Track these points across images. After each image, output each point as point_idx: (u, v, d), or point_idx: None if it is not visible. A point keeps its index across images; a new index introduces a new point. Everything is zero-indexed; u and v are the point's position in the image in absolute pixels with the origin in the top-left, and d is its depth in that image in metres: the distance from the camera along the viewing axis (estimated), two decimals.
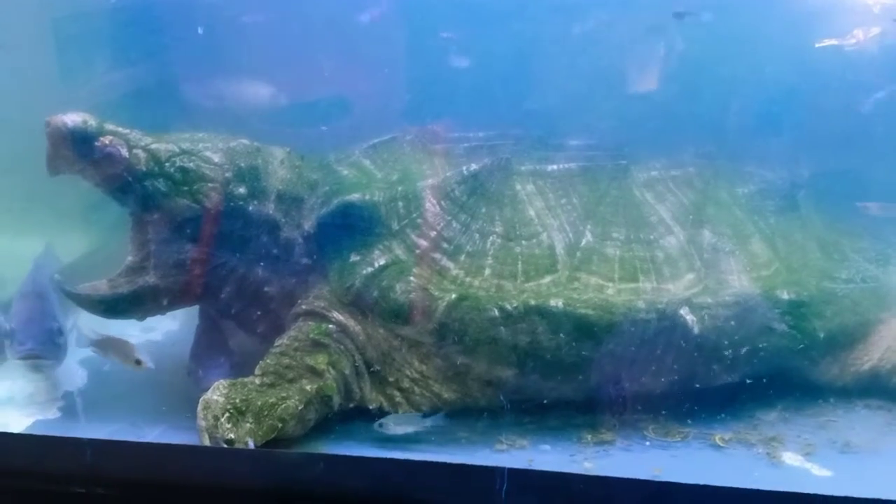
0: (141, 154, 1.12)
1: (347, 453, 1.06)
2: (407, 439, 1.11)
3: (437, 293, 1.11)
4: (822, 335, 1.20)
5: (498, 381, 1.13)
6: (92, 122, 1.11)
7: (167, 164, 1.13)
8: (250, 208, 1.16)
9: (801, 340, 1.19)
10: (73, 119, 1.10)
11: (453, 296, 1.10)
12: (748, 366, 1.19)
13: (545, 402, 1.16)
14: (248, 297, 1.18)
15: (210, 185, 1.13)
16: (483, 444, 1.11)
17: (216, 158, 1.14)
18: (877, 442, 1.12)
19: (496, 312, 1.09)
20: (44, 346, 1.19)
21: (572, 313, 1.10)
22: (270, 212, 1.17)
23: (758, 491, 0.97)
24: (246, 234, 1.17)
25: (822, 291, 1.23)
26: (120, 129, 1.13)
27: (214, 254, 1.16)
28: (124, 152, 1.11)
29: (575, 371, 1.12)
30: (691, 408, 1.18)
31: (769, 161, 1.41)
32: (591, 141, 1.35)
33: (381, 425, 1.11)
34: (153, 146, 1.13)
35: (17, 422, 1.15)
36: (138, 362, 1.12)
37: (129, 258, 1.17)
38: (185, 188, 1.13)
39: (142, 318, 1.20)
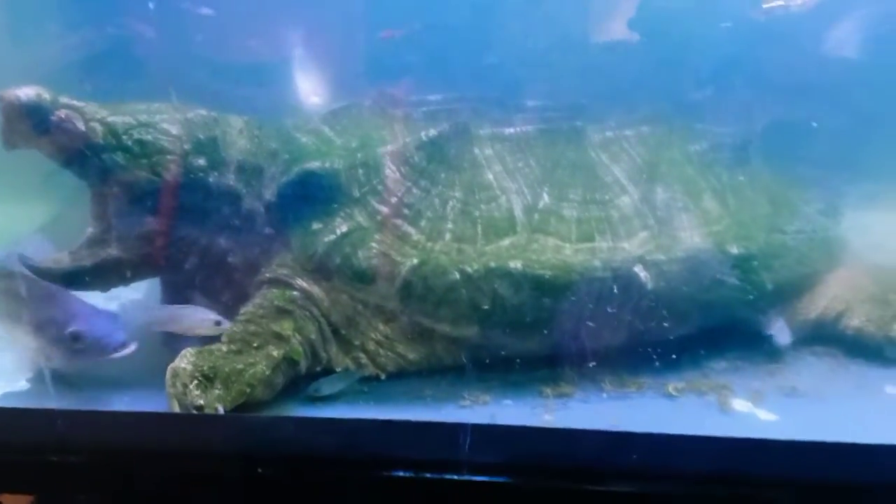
0: (98, 127, 1.12)
1: (315, 415, 1.09)
2: (377, 399, 1.14)
3: (399, 258, 1.13)
4: (770, 287, 1.24)
5: (461, 340, 1.17)
6: (46, 96, 1.10)
7: (125, 137, 1.12)
8: (210, 179, 1.16)
9: (750, 292, 1.23)
10: (26, 93, 1.09)
11: (415, 260, 1.13)
12: (700, 318, 1.24)
13: (507, 358, 1.20)
14: (212, 267, 1.19)
15: (169, 157, 1.13)
16: (448, 401, 1.14)
17: (174, 130, 1.14)
18: (821, 387, 1.18)
19: (457, 276, 1.12)
20: (126, 333, 1.14)
21: (531, 274, 1.13)
22: (231, 182, 1.17)
23: (708, 437, 1.03)
24: (207, 205, 1.17)
25: (770, 244, 1.27)
26: (75, 103, 1.12)
27: (176, 225, 1.17)
28: (80, 126, 1.11)
29: (535, 328, 1.16)
30: (646, 360, 1.22)
31: (722, 116, 1.44)
32: (547, 101, 1.38)
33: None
34: (109, 119, 1.12)
35: None
36: (218, 323, 1.11)
37: (90, 230, 1.17)
38: (144, 161, 1.13)
39: (105, 289, 1.21)
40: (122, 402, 1.12)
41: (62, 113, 1.10)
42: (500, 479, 1.02)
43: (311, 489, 1.07)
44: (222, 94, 1.42)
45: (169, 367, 1.07)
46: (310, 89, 1.49)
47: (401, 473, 1.03)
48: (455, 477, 1.02)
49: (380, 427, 1.06)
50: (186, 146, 1.15)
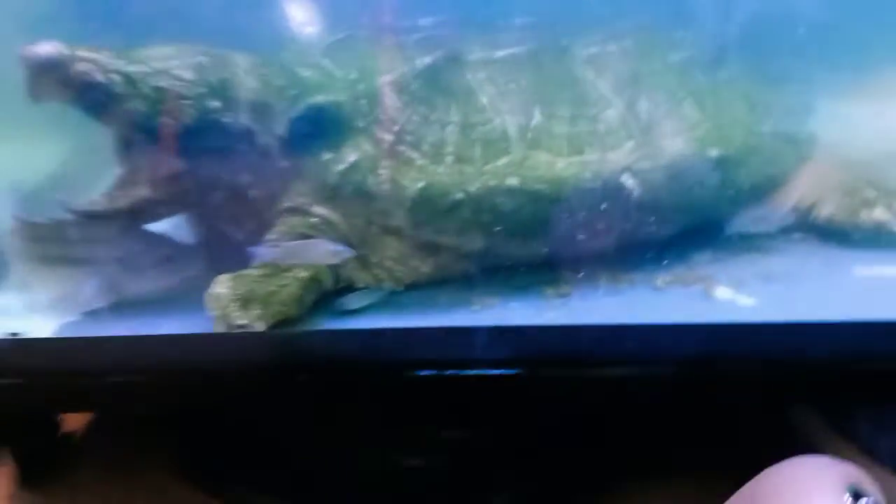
0: (116, 77, 1.19)
1: (346, 327, 1.22)
2: (397, 308, 1.27)
3: (405, 182, 1.24)
4: (747, 185, 1.35)
5: (467, 252, 1.28)
6: (65, 51, 1.17)
7: (142, 86, 1.20)
8: (225, 120, 1.25)
9: (729, 190, 1.35)
10: (45, 49, 1.16)
11: (420, 184, 1.24)
12: (685, 217, 1.35)
13: (510, 265, 1.32)
14: (235, 200, 1.30)
15: (185, 101, 1.22)
16: (460, 307, 1.26)
17: (188, 75, 1.22)
18: (795, 270, 1.30)
19: (461, 195, 1.23)
20: None
21: (528, 189, 1.24)
22: (244, 121, 1.26)
23: (692, 324, 1.17)
24: (225, 144, 1.26)
25: (746, 146, 1.37)
26: (92, 55, 1.19)
27: (199, 165, 1.27)
28: (100, 77, 1.19)
29: (534, 237, 1.28)
30: (637, 259, 1.34)
31: (699, 20, 1.51)
32: (534, 18, 1.45)
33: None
34: (126, 69, 1.20)
35: (44, 327, 1.28)
36: (338, 253, 1.22)
37: (120, 172, 1.28)
38: (163, 108, 1.21)
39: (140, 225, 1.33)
40: (171, 326, 1.25)
41: (81, 66, 1.18)
42: (512, 371, 1.16)
43: (346, 393, 1.21)
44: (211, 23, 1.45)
45: (208, 293, 1.19)
46: (304, 17, 1.54)
47: (425, 373, 1.17)
48: (473, 372, 1.16)
49: (404, 334, 1.19)
50: (201, 89, 1.23)
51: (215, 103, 1.25)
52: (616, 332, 1.18)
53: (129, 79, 1.22)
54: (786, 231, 1.42)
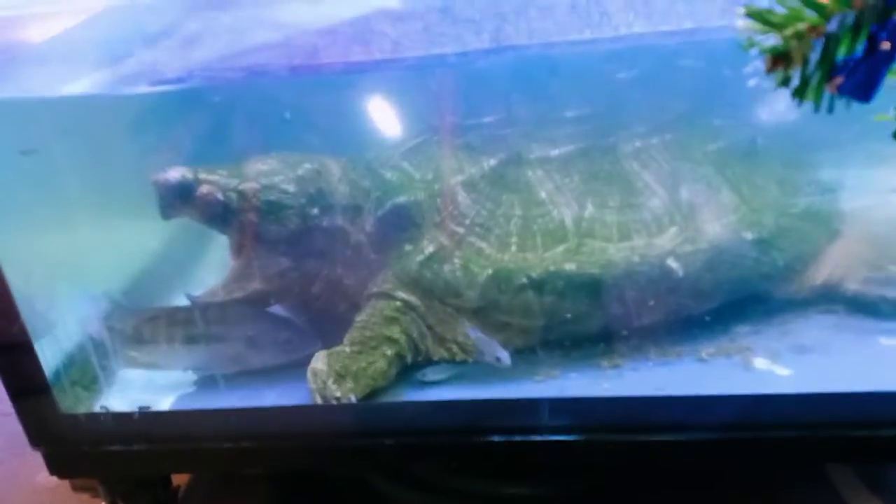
0: (233, 195, 1.42)
1: (424, 398, 1.40)
2: (469, 380, 1.44)
3: (476, 269, 1.42)
4: (780, 263, 1.50)
5: (531, 329, 1.45)
6: (189, 175, 1.40)
7: (254, 200, 1.42)
8: (324, 224, 1.46)
9: (765, 269, 1.49)
10: (174, 175, 1.39)
11: (490, 270, 1.41)
12: (725, 293, 1.50)
13: (569, 340, 1.48)
14: (331, 289, 1.50)
15: (290, 211, 1.43)
16: (525, 379, 1.43)
17: (291, 189, 1.43)
18: (826, 342, 1.43)
19: (524, 280, 1.41)
20: None
21: (583, 272, 1.41)
22: (339, 223, 1.47)
23: (734, 395, 1.31)
24: (324, 244, 1.47)
25: (779, 227, 1.51)
26: (212, 177, 1.41)
27: (302, 262, 1.49)
28: (220, 196, 1.41)
29: (589, 315, 1.44)
30: (682, 332, 1.48)
31: (734, 111, 1.67)
32: (580, 113, 1.62)
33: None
34: (241, 187, 1.42)
35: (165, 401, 1.48)
36: (499, 359, 1.40)
37: (233, 266, 1.49)
38: (272, 217, 1.43)
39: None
40: (276, 396, 1.44)
41: (204, 188, 1.40)
42: (573, 438, 1.32)
43: (425, 456, 1.38)
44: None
45: (309, 368, 1.38)
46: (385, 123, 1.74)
47: (495, 438, 1.33)
48: (537, 438, 1.32)
49: (478, 405, 1.36)
50: (302, 200, 1.44)
51: (314, 211, 1.45)
52: (665, 404, 1.33)
53: (242, 195, 1.43)
54: (817, 304, 1.54)
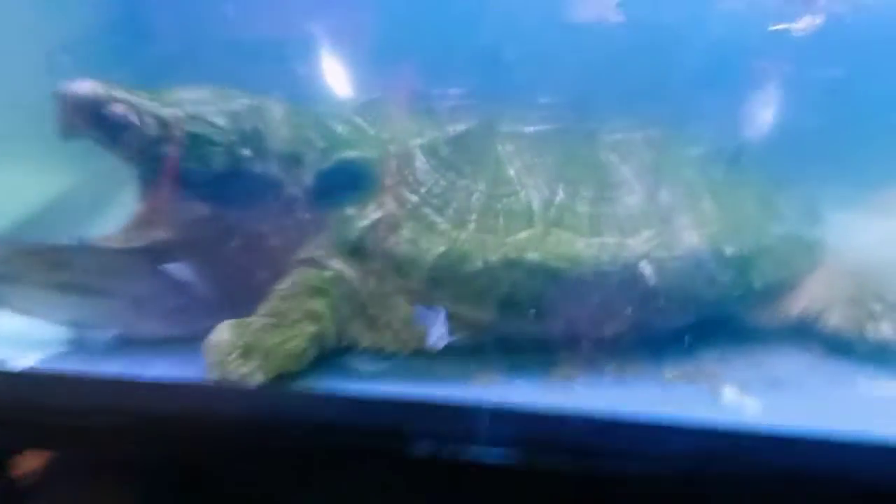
0: (150, 121, 1.17)
1: (343, 390, 1.18)
2: (398, 374, 1.23)
3: (426, 246, 1.22)
4: (757, 286, 1.36)
5: (478, 323, 1.26)
6: (101, 91, 1.15)
7: (175, 131, 1.18)
8: (255, 169, 1.23)
9: (740, 290, 1.35)
10: (82, 88, 1.14)
11: (442, 248, 1.22)
12: (694, 312, 1.35)
13: (517, 341, 1.30)
14: (253, 248, 1.27)
15: (217, 148, 1.19)
16: (463, 381, 1.24)
17: (221, 122, 1.20)
18: (801, 379, 1.29)
19: (480, 264, 1.21)
20: None
21: (546, 265, 1.23)
22: (274, 171, 1.24)
23: (700, 421, 1.14)
24: (251, 192, 1.24)
25: (759, 247, 1.38)
26: (128, 96, 1.17)
27: (223, 212, 1.24)
28: (134, 119, 1.16)
29: (546, 314, 1.26)
30: (644, 348, 1.32)
31: (718, 121, 1.54)
32: (558, 99, 1.46)
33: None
34: (161, 112, 1.18)
35: (27, 358, 1.22)
36: None
37: (138, 210, 1.24)
38: (194, 153, 1.19)
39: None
40: (160, 368, 1.19)
41: (116, 107, 1.16)
42: (508, 457, 1.12)
43: (334, 459, 1.17)
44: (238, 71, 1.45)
45: (207, 339, 1.14)
46: (332, 73, 1.55)
47: (417, 447, 1.12)
48: (468, 450, 1.12)
49: (402, 405, 1.16)
50: (233, 137, 1.21)
51: (246, 152, 1.22)
52: (619, 424, 1.15)
53: (161, 122, 1.19)
54: (792, 336, 1.42)
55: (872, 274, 1.45)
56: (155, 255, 1.24)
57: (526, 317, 1.25)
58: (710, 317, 1.38)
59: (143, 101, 1.19)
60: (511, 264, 1.22)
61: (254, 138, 1.23)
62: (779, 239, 1.42)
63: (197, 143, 1.19)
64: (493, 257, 1.22)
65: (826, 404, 1.23)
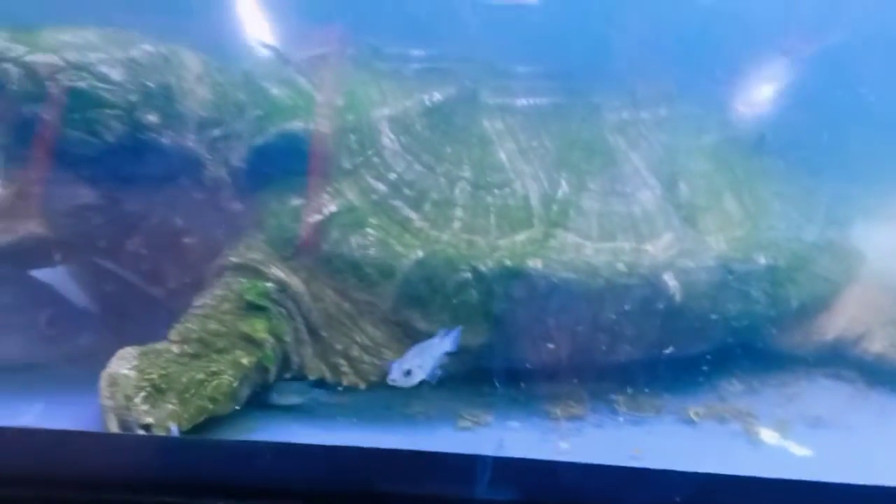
0: (13, 70, 0.84)
1: (291, 440, 0.88)
2: (358, 414, 0.95)
3: (399, 249, 0.93)
4: (795, 303, 1.13)
5: (464, 348, 0.98)
6: None
7: (50, 84, 0.85)
8: (164, 141, 0.90)
9: (776, 309, 1.11)
10: None
11: (419, 253, 0.93)
12: (720, 335, 1.10)
13: (510, 370, 1.03)
14: (160, 248, 0.95)
15: (110, 111, 0.87)
16: (443, 421, 0.97)
17: (116, 75, 0.88)
18: (846, 416, 1.08)
19: (468, 273, 0.94)
20: None
21: (552, 275, 0.96)
22: (190, 144, 0.92)
23: (749, 478, 0.90)
24: (160, 173, 0.92)
25: (795, 256, 1.15)
26: None
27: (119, 199, 0.92)
28: None
29: (548, 338, 1.00)
30: (659, 378, 1.10)
31: (730, 106, 1.31)
32: (538, 67, 1.20)
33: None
34: (29, 59, 0.85)
35: None
36: None
37: (0, 193, 0.90)
38: (78, 116, 0.86)
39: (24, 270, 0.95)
40: (34, 413, 0.88)
41: None
42: None
43: None
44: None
45: (104, 373, 0.83)
46: (255, 23, 1.22)
47: None
48: None
49: (370, 456, 0.86)
50: (133, 97, 0.89)
51: (151, 117, 0.90)
52: (653, 480, 0.90)
53: (30, 72, 0.86)
54: (825, 362, 1.21)
55: None
56: (23, 255, 0.90)
57: (523, 340, 0.98)
58: (735, 338, 1.14)
59: (4, 42, 0.86)
60: (508, 274, 0.95)
61: (161, 99, 0.92)
62: (813, 246, 1.20)
63: (82, 102, 0.87)
64: (485, 265, 0.94)
65: (880, 448, 1.01)
